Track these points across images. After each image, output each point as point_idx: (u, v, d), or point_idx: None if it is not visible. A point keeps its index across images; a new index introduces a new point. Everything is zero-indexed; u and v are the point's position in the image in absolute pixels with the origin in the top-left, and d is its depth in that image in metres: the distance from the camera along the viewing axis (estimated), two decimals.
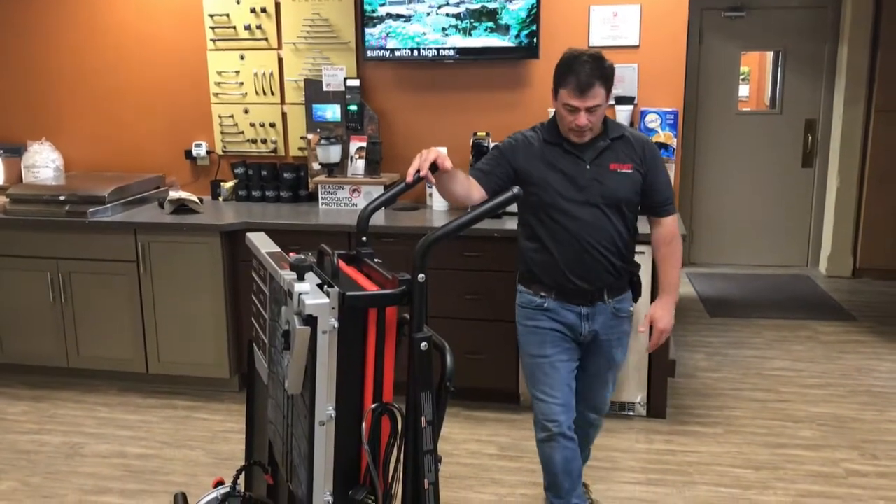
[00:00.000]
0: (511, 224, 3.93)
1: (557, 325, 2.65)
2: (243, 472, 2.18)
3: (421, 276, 1.84)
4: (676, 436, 3.69)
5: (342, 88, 4.31)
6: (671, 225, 2.68)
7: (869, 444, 3.62)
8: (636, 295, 2.77)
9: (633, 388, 3.88)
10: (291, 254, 2.05)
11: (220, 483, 2.17)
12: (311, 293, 1.79)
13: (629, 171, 2.57)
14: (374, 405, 1.88)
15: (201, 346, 4.13)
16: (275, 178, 4.51)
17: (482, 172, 2.60)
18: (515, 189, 1.94)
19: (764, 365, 4.59)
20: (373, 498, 1.92)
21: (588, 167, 2.56)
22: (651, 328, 2.68)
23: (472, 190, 2.54)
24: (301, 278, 1.82)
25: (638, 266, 2.76)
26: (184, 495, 2.08)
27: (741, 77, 6.70)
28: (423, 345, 1.88)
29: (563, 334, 2.66)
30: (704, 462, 3.46)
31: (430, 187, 4.20)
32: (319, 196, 4.32)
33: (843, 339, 5.01)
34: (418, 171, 2.26)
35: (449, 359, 1.99)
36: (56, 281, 4.18)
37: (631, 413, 3.87)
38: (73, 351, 4.27)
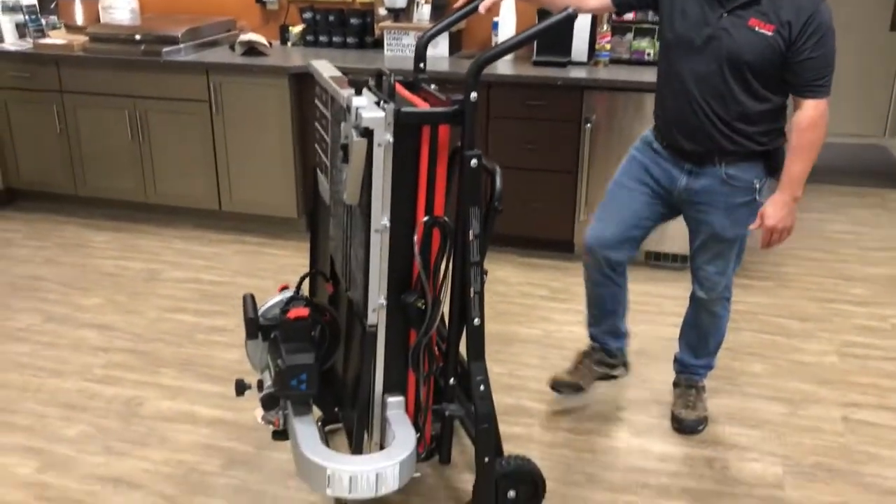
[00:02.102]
0: (576, 73, 3.93)
1: (652, 166, 2.52)
2: (306, 280, 2.35)
3: (473, 95, 1.91)
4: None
5: None
6: (810, 110, 2.27)
7: None
8: (772, 169, 2.43)
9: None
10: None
11: (285, 288, 2.34)
12: (367, 107, 1.88)
13: (769, 33, 2.21)
14: (425, 218, 2.00)
15: (270, 186, 4.31)
16: (342, 23, 4.55)
17: None
18: (570, 9, 1.95)
19: (825, 227, 4.58)
20: (423, 302, 2.06)
21: (724, 14, 2.27)
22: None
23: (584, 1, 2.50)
24: (359, 93, 1.92)
25: (779, 138, 2.41)
26: (252, 296, 2.27)
27: None
28: (473, 162, 1.97)
29: (652, 177, 2.53)
30: (752, 311, 3.54)
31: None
32: (385, 42, 4.35)
33: None
34: None
35: (498, 180, 2.08)
36: (134, 119, 4.37)
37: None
38: (150, 187, 4.50)
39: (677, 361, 2.84)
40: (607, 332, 2.82)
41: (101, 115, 4.43)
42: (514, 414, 2.79)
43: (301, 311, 2.16)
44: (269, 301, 2.32)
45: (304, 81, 4.12)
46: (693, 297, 2.70)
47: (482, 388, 2.14)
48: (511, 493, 2.24)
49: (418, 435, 2.16)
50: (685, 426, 2.71)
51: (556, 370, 2.90)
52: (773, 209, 2.37)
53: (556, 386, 2.84)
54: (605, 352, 2.86)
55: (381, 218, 1.97)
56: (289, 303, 2.27)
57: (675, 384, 2.85)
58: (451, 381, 2.19)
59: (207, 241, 4.31)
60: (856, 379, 3.03)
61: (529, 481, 2.25)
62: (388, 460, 1.97)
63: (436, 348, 2.18)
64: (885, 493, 2.42)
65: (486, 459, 2.15)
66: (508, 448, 2.30)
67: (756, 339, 3.30)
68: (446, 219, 2.02)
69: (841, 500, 2.38)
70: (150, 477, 2.46)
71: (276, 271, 3.94)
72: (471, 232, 2.04)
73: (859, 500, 2.38)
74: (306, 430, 2.06)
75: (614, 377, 2.94)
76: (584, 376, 2.86)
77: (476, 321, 2.11)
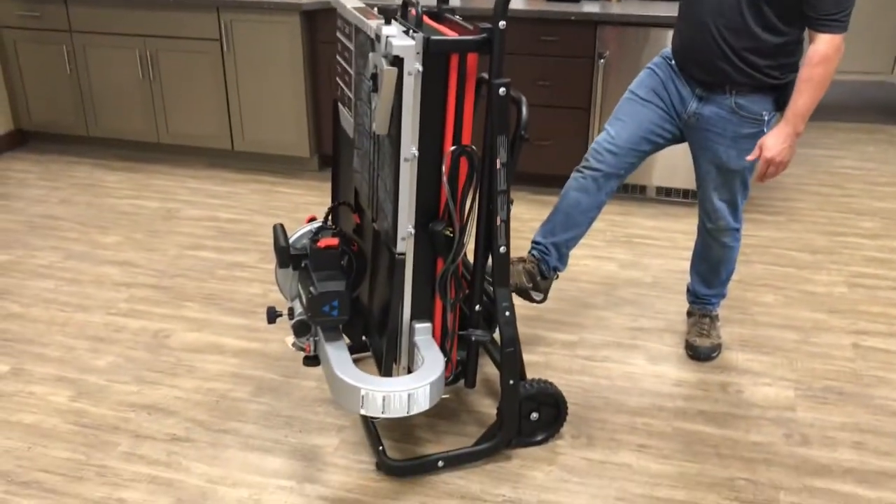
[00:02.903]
0: (589, 7, 3.91)
1: (668, 82, 2.51)
2: (333, 211, 2.39)
3: (502, 24, 1.93)
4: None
5: None
6: (823, 45, 2.24)
7: None
8: (782, 104, 2.41)
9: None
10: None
11: (313, 220, 2.39)
12: (397, 36, 1.90)
13: None
14: (453, 147, 2.03)
15: (283, 125, 4.33)
16: None
17: None
18: None
19: (833, 163, 4.61)
20: (451, 230, 2.11)
21: None
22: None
23: None
24: (388, 23, 1.94)
25: (792, 73, 2.39)
26: (282, 225, 2.32)
27: None
28: (502, 90, 2.00)
29: (667, 92, 2.52)
30: (763, 245, 3.60)
31: None
32: None
33: None
34: None
35: (524, 110, 2.12)
36: (144, 58, 4.36)
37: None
38: (162, 127, 4.52)
39: (690, 292, 2.91)
40: (557, 245, 2.69)
41: (111, 54, 4.42)
42: (532, 343, 2.86)
43: (331, 241, 2.21)
44: (298, 231, 2.37)
45: (315, 18, 4.11)
46: (701, 229, 2.74)
47: (507, 314, 2.20)
48: (534, 415, 2.32)
49: (445, 360, 2.23)
50: (699, 353, 2.78)
51: (570, 303, 2.96)
52: (774, 140, 2.36)
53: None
54: (541, 267, 2.69)
55: (410, 147, 2.00)
56: (318, 233, 2.31)
57: (689, 314, 2.92)
58: (477, 307, 2.25)
59: (221, 181, 4.34)
60: (865, 308, 3.10)
61: (552, 403, 2.34)
62: (420, 381, 2.03)
63: (462, 276, 2.24)
64: (894, 414, 2.50)
65: (511, 382, 2.22)
66: (528, 375, 2.37)
67: (767, 272, 3.36)
68: (473, 147, 2.06)
69: (851, 421, 2.47)
70: (182, 404, 2.53)
71: (291, 209, 3.98)
72: (498, 160, 2.08)
73: (868, 421, 2.46)
74: (339, 354, 2.13)
75: (533, 300, 2.69)
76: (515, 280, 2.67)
77: (502, 249, 2.16)
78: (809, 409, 2.52)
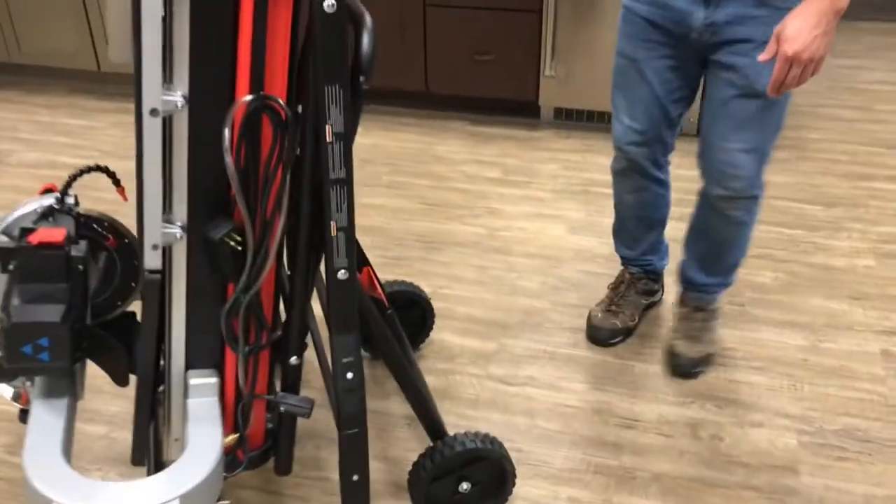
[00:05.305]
0: None
1: (655, 13, 1.73)
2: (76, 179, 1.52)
3: None
4: None
5: None
6: None
7: None
8: None
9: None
10: None
11: (49, 191, 1.52)
12: None
13: None
14: (248, 97, 1.16)
15: None
16: None
17: None
18: None
19: (858, 77, 3.66)
20: (238, 240, 1.26)
21: None
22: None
23: None
24: None
25: None
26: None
27: None
28: (329, 3, 1.12)
29: (662, 29, 1.74)
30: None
31: None
32: None
33: None
34: None
35: (366, 37, 1.24)
36: None
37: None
38: (12, 42, 3.59)
39: (683, 277, 2.06)
40: (650, 250, 2.12)
41: None
42: (428, 353, 2.03)
43: (53, 235, 1.35)
44: (20, 209, 1.49)
45: None
46: (703, 195, 1.89)
47: (350, 375, 1.37)
48: (464, 486, 1.56)
49: (237, 435, 1.40)
50: (680, 364, 1.98)
51: (491, 288, 2.12)
52: (799, 25, 1.46)
53: (600, 337, 2.08)
54: (650, 276, 2.16)
55: (157, 90, 1.15)
56: (44, 216, 1.45)
57: (680, 302, 2.10)
58: (293, 360, 1.42)
59: (80, 112, 3.44)
60: None
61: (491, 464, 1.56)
62: (163, 491, 1.22)
63: (269, 309, 1.39)
64: None
65: (356, 478, 1.41)
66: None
67: (770, 236, 2.49)
68: (282, 103, 1.19)
69: (884, 493, 1.65)
70: None
71: None
72: (328, 128, 1.21)
73: None
74: (45, 422, 1.31)
75: (655, 303, 2.22)
76: (633, 313, 2.12)
77: (341, 273, 1.31)
78: (819, 471, 1.70)
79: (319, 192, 1.27)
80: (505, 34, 3.10)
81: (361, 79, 1.24)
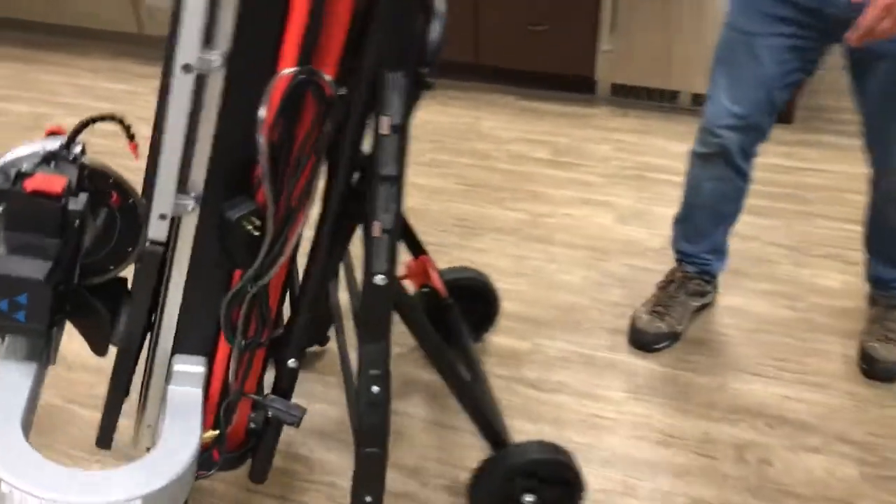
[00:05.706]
0: None
1: None
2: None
3: None
4: (801, 147, 2.68)
5: None
6: None
7: None
8: None
9: None
10: None
11: (53, 133, 1.39)
12: None
13: None
14: (289, 69, 1.04)
15: None
16: None
17: None
18: None
19: None
20: (257, 224, 1.14)
21: None
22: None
23: None
24: None
25: None
26: None
27: None
28: None
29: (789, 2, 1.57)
30: (831, 186, 2.48)
31: None
32: None
33: None
34: None
35: (437, 25, 1.13)
36: None
37: None
38: (54, 3, 3.54)
39: (870, 275, 1.93)
40: (712, 248, 1.97)
41: None
42: None
43: (52, 183, 1.22)
44: (19, 149, 1.36)
45: None
46: (873, 184, 1.79)
47: (376, 389, 1.25)
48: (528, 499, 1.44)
49: (217, 432, 1.28)
50: (878, 367, 1.81)
51: (529, 280, 1.96)
52: None
53: (644, 341, 1.91)
54: (704, 277, 1.99)
55: (195, 46, 1.06)
56: (45, 161, 1.32)
57: (871, 301, 1.95)
58: (292, 362, 1.30)
59: (123, 76, 3.38)
60: None
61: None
62: (129, 488, 1.10)
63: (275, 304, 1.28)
64: None
65: (369, 499, 1.30)
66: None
67: (832, 233, 2.26)
68: (330, 80, 1.06)
69: None
70: None
71: None
72: (385, 120, 1.08)
73: None
74: (5, 387, 1.19)
75: (707, 305, 2.04)
76: (681, 316, 1.94)
77: (380, 279, 1.19)
78: None
79: (370, 187, 1.14)
80: (561, 4, 2.90)
81: (426, 70, 1.12)
